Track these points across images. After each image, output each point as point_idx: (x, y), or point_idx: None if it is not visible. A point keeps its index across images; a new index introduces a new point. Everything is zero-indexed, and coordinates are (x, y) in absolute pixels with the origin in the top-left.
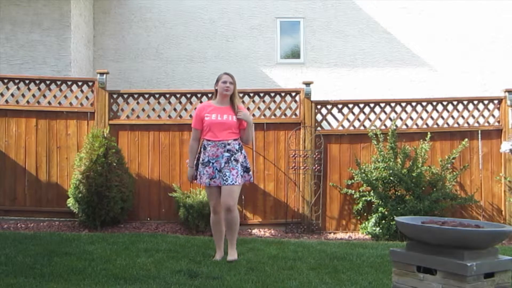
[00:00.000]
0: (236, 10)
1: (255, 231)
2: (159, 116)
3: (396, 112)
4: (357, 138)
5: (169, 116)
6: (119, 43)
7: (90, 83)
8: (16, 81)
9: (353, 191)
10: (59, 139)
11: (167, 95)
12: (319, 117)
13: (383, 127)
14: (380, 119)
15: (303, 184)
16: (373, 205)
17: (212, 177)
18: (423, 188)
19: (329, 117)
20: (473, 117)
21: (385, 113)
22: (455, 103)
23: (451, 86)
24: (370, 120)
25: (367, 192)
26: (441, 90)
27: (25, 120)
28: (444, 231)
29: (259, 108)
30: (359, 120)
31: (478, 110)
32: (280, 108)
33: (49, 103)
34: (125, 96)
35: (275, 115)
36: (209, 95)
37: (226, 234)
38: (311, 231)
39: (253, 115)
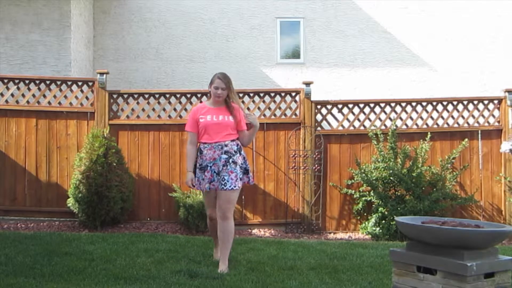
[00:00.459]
0: (236, 10)
1: (255, 231)
2: (159, 116)
3: (396, 112)
4: (357, 138)
5: (169, 116)
6: (119, 43)
7: (90, 83)
8: (16, 81)
9: (353, 191)
10: (59, 139)
11: (167, 95)
12: (319, 117)
13: (383, 127)
14: (380, 119)
15: (303, 184)
16: (373, 205)
17: (211, 180)
18: (423, 188)
19: (329, 117)
20: (473, 117)
21: (385, 113)
22: (455, 103)
23: (451, 86)
24: (370, 120)
25: (367, 192)
26: (441, 90)
27: (25, 120)
28: (444, 231)
29: (259, 108)
30: (359, 120)
31: (478, 110)
32: (280, 108)
33: (49, 103)
34: (125, 96)
35: (275, 115)
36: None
37: (219, 245)
38: (311, 231)
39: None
